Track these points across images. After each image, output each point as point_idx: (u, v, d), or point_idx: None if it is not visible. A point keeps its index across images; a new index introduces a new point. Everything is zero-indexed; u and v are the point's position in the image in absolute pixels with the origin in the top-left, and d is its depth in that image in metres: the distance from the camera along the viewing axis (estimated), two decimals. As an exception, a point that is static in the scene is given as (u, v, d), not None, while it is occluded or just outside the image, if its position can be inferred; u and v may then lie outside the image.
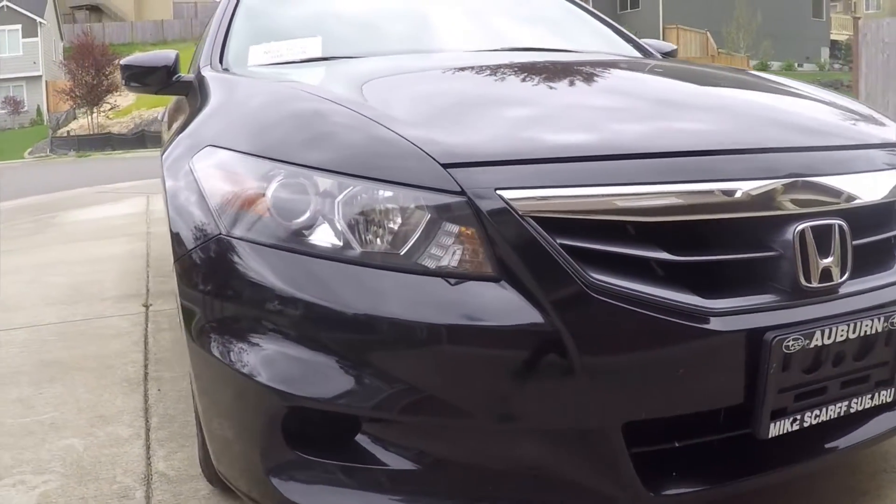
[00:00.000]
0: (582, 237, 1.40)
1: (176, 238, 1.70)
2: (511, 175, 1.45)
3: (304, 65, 2.58)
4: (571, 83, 2.16)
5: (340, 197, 1.49)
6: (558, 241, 1.39)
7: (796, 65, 36.54)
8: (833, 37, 42.18)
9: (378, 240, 1.46)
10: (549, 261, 1.38)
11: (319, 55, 2.66)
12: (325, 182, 1.51)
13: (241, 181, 1.61)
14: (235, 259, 1.54)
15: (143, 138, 36.84)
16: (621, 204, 1.44)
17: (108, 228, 7.53)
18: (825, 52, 40.92)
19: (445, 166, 1.46)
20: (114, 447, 2.42)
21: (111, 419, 2.65)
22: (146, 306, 4.27)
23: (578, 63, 2.49)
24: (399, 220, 1.46)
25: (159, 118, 4.99)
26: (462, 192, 1.43)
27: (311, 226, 1.50)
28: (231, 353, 1.52)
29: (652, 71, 2.47)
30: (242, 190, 1.59)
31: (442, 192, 1.44)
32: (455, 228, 1.43)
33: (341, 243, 1.47)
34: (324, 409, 1.44)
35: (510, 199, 1.40)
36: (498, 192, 1.41)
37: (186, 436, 2.47)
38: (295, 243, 1.49)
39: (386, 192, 1.47)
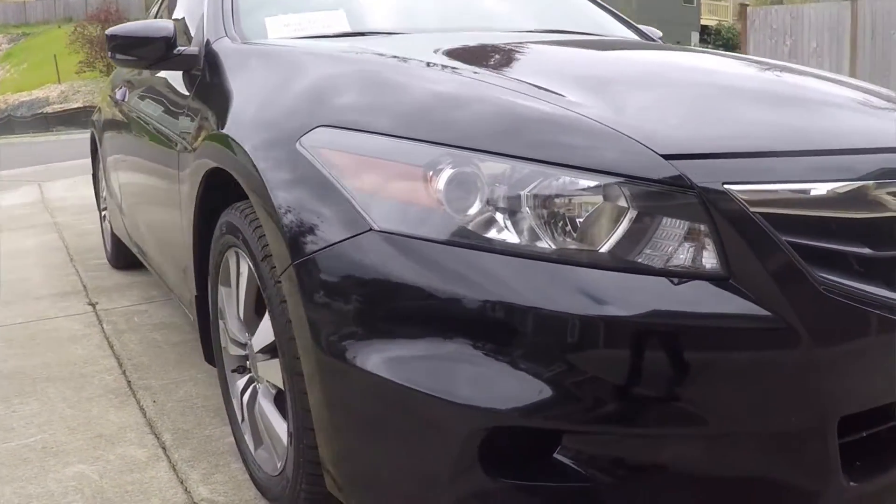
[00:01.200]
0: (804, 234, 1.34)
1: (294, 235, 1.45)
2: (737, 169, 1.36)
3: (348, 39, 2.30)
4: (706, 70, 2.04)
5: (530, 188, 1.32)
6: (785, 238, 1.31)
7: (669, 49, 37.60)
8: (703, 22, 43.71)
9: (579, 236, 1.31)
10: (781, 259, 1.30)
11: (348, 30, 2.40)
12: (508, 170, 1.34)
13: (394, 168, 1.41)
14: (394, 257, 1.34)
15: (10, 124, 34.66)
16: (843, 200, 1.39)
17: (8, 220, 6.97)
18: (695, 37, 42.35)
19: (667, 157, 1.33)
20: (134, 472, 2.13)
21: (114, 439, 2.34)
22: (92, 304, 3.90)
23: (674, 50, 2.41)
24: (608, 215, 1.31)
25: (115, 96, 4.47)
26: (690, 186, 1.31)
27: (488, 219, 1.32)
28: (400, 369, 1.31)
29: (754, 61, 2.32)
30: (398, 178, 1.39)
31: (663, 185, 1.31)
32: (678, 224, 1.30)
33: (525, 239, 1.30)
34: (534, 426, 1.27)
35: (738, 194, 1.31)
36: (726, 186, 1.31)
37: (216, 453, 2.20)
38: (471, 238, 1.31)
39: (588, 183, 1.31)
